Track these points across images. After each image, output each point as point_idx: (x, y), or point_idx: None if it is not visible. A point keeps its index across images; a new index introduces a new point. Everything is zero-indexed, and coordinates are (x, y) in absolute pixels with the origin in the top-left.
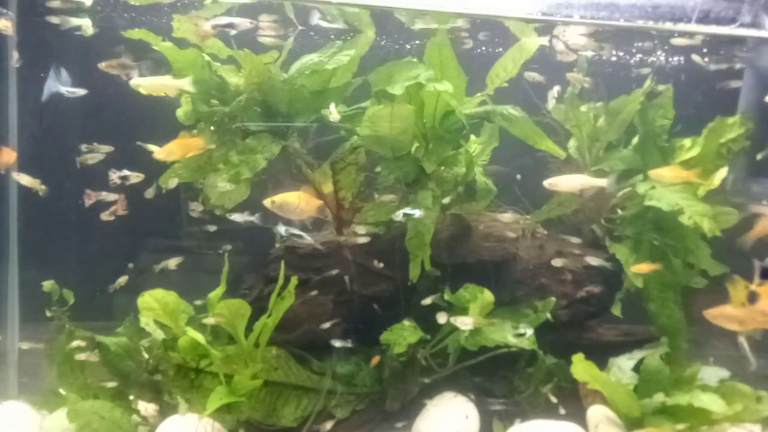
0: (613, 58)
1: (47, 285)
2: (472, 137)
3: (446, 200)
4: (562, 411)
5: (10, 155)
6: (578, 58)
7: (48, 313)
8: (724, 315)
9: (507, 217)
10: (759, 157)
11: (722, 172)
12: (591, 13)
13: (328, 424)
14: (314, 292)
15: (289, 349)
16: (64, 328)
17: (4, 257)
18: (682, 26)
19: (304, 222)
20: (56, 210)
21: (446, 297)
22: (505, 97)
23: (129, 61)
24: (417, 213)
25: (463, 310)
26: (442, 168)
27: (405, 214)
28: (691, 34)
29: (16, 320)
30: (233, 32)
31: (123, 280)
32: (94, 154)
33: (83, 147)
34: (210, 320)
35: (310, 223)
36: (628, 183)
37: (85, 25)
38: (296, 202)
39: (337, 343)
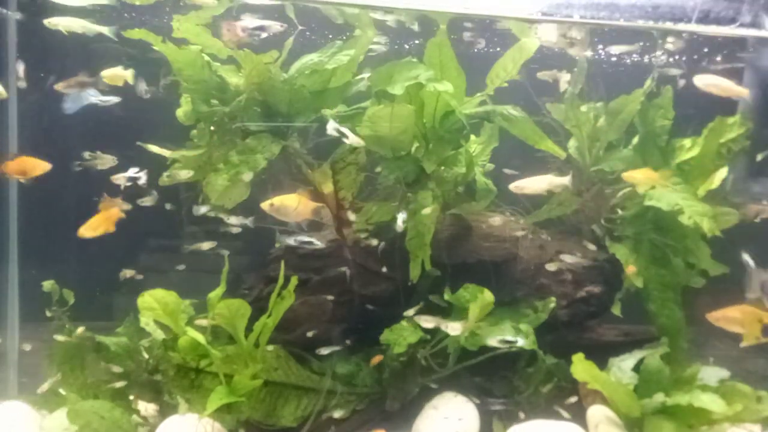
0: (613, 58)
1: (47, 285)
2: (472, 137)
3: (427, 211)
4: (566, 415)
5: (44, 166)
6: (578, 58)
7: (48, 313)
8: (726, 317)
9: (496, 220)
10: (759, 157)
11: (722, 172)
12: (591, 13)
13: (337, 413)
14: (328, 296)
15: (289, 349)
16: (64, 328)
17: (4, 257)
18: (682, 26)
19: (299, 224)
20: (56, 210)
21: (446, 297)
22: (506, 97)
23: (86, 77)
24: (402, 216)
25: (464, 310)
26: (442, 168)
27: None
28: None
29: (16, 320)
30: (264, 35)
31: (131, 272)
32: (95, 161)
33: (86, 154)
34: (202, 322)
35: (306, 224)
36: (628, 183)
37: (108, 31)
38: (293, 204)
39: (324, 351)
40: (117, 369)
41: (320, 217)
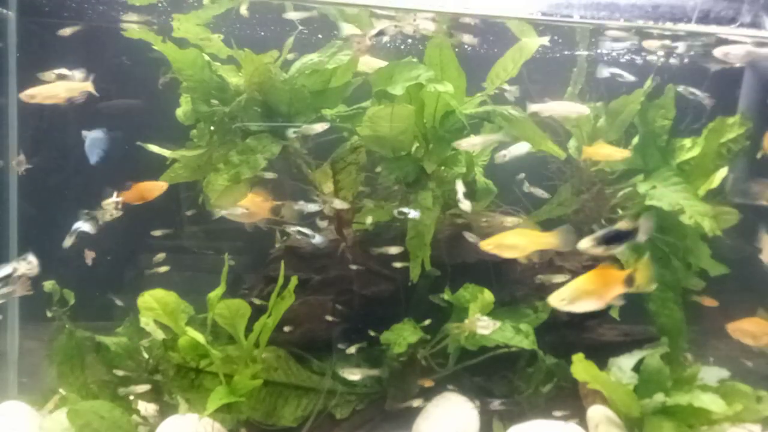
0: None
1: (47, 285)
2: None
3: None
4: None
5: (161, 187)
6: (578, 58)
7: (48, 314)
8: (740, 329)
9: (511, 220)
10: (759, 156)
11: (722, 172)
12: (591, 13)
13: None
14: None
15: (289, 349)
16: (64, 328)
17: (4, 257)
18: (682, 26)
19: (257, 224)
20: (56, 210)
21: (446, 297)
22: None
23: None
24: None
25: (464, 310)
26: (442, 168)
27: (401, 213)
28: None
29: (16, 320)
30: (385, 38)
31: (161, 256)
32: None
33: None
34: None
35: (264, 224)
36: (628, 183)
37: None
38: (246, 205)
39: (351, 349)
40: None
41: (280, 216)
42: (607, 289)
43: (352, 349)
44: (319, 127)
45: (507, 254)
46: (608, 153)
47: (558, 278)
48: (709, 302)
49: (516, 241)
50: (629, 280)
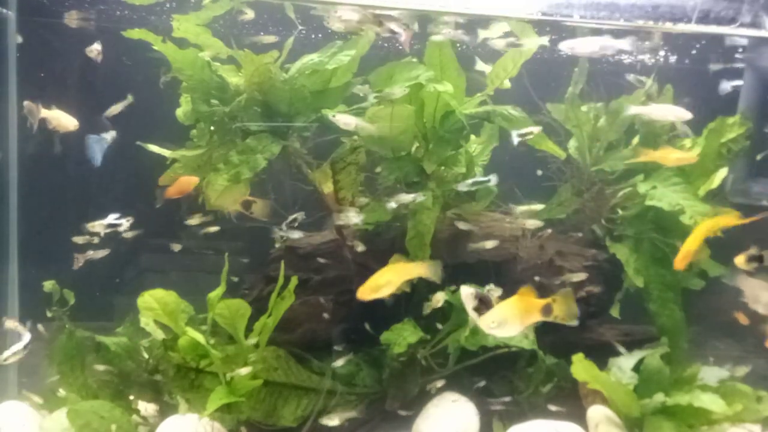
0: None
1: (48, 285)
2: (472, 137)
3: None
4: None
5: (194, 180)
6: (580, 59)
7: (48, 314)
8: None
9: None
10: (759, 157)
11: (722, 172)
12: (591, 13)
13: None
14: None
15: (289, 349)
16: (64, 328)
17: (4, 257)
18: (682, 26)
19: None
20: (56, 210)
21: (446, 297)
22: (505, 97)
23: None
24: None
25: (463, 310)
26: (442, 168)
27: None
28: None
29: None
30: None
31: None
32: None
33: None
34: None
35: (235, 216)
36: (628, 183)
37: None
38: None
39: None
40: None
41: (250, 212)
42: (527, 315)
43: (340, 362)
44: (398, 91)
45: (384, 293)
46: (678, 158)
47: (578, 277)
48: (743, 319)
49: (388, 278)
50: (547, 310)
